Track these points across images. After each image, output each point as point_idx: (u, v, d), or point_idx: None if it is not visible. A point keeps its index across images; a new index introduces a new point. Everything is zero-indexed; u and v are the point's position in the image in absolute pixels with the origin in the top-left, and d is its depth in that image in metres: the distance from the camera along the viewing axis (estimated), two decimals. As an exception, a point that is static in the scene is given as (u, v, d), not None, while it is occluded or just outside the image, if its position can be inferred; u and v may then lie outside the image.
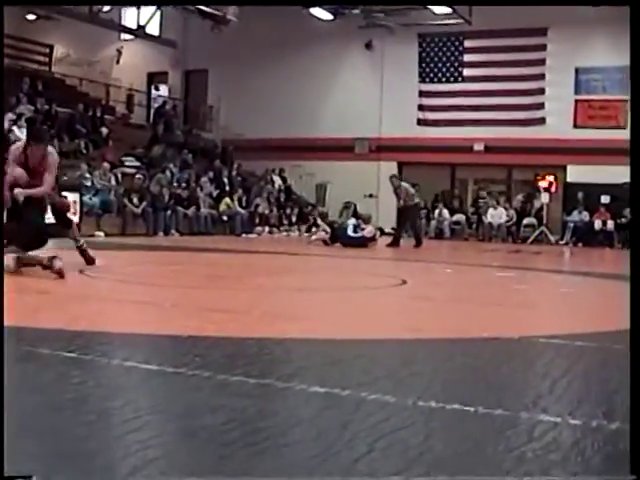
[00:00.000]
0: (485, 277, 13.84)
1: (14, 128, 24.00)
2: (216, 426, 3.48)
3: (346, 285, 11.00)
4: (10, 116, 24.70)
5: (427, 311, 8.27)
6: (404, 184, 23.47)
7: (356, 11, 30.12)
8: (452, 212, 31.13)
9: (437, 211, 30.54)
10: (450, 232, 30.62)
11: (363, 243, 21.07)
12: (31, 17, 35.37)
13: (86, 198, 22.88)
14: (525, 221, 29.71)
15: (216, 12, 29.23)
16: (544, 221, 28.87)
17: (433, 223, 30.21)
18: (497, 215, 29.72)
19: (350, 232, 21.48)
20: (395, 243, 22.49)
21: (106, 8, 30.29)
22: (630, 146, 4.27)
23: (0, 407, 3.35)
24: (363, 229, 21.83)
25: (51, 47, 36.49)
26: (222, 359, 5.02)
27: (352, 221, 22.25)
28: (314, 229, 25.73)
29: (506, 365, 5.31)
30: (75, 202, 21.40)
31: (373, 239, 21.70)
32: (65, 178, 22.88)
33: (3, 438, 3.01)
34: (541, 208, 29.14)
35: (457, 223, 30.98)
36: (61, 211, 11.31)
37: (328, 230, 22.88)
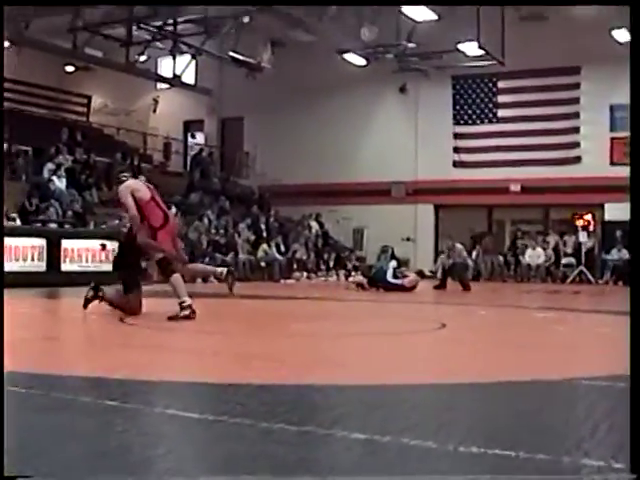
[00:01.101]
0: (525, 318, 13.76)
1: (54, 178, 24.27)
2: (258, 475, 3.49)
3: (385, 330, 10.97)
4: (50, 166, 24.99)
5: (467, 354, 8.24)
6: (458, 245, 23.94)
7: (389, 56, 30.26)
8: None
9: (475, 253, 30.43)
10: (488, 273, 30.55)
11: (403, 290, 20.92)
12: (70, 69, 35.86)
13: (125, 246, 23.03)
14: (564, 261, 29.58)
15: (250, 60, 29.50)
16: (583, 260, 28.73)
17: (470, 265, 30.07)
18: (535, 255, 29.63)
19: (390, 277, 21.31)
20: (442, 287, 22.62)
21: (142, 58, 30.62)
22: (630, 148, 4.30)
23: (0, 409, 3.38)
24: (405, 277, 21.72)
25: (89, 98, 36.94)
26: (263, 406, 5.02)
27: (392, 264, 22.09)
28: (353, 273, 25.66)
29: (547, 408, 5.28)
30: (114, 250, 21.57)
31: (414, 288, 21.49)
32: (104, 227, 23.10)
33: (3, 439, 3.04)
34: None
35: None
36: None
37: (363, 279, 22.59)
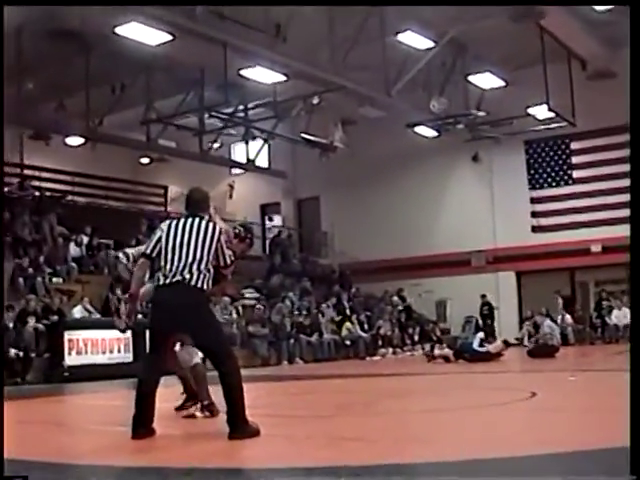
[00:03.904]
0: (616, 382, 13.52)
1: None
2: None
3: (475, 403, 10.84)
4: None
5: (558, 423, 8.12)
6: (546, 323, 24.08)
7: (460, 125, 30.28)
8: (575, 317, 30.75)
9: (560, 317, 30.01)
10: (574, 337, 30.14)
11: (489, 358, 20.71)
12: (145, 161, 36.44)
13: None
14: (653, 318, 29.13)
15: (322, 140, 29.73)
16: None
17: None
18: (622, 315, 29.19)
19: (476, 346, 21.13)
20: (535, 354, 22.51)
21: (216, 145, 31.06)
22: (630, 147, 4.30)
23: (0, 411, 3.40)
24: (490, 343, 21.53)
25: (165, 188, 37.43)
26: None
27: (480, 335, 21.86)
28: (437, 346, 25.51)
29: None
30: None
31: (499, 355, 21.26)
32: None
33: (3, 439, 3.05)
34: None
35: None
36: None
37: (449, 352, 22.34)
